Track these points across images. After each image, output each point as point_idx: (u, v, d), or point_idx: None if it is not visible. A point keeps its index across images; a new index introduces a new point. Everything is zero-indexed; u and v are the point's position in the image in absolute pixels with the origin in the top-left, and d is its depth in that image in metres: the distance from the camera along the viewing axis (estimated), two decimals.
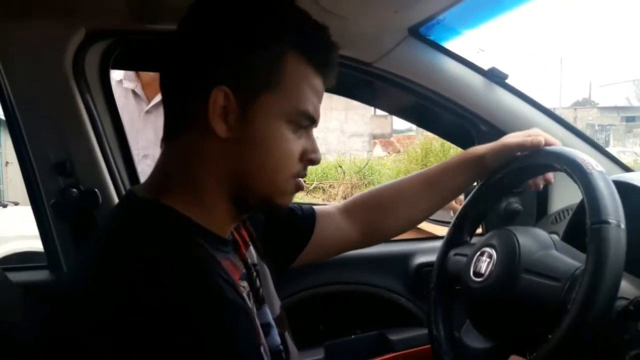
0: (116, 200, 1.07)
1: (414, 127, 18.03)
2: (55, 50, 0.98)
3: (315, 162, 0.74)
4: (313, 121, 0.72)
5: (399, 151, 15.20)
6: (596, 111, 22.59)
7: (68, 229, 1.05)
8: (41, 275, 1.13)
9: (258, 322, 0.72)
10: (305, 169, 0.74)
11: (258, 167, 0.69)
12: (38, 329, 0.74)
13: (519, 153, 0.93)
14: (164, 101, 0.72)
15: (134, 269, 0.59)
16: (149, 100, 1.80)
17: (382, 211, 1.01)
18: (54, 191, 1.03)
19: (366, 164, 11.63)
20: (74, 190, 1.02)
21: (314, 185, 10.92)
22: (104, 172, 1.05)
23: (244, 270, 0.77)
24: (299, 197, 10.36)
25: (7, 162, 9.36)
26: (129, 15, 1.00)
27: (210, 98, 0.65)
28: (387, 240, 1.08)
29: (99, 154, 1.04)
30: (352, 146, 15.60)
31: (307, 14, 0.70)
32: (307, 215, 0.98)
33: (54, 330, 0.64)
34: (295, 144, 0.71)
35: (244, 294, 0.71)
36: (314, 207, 1.00)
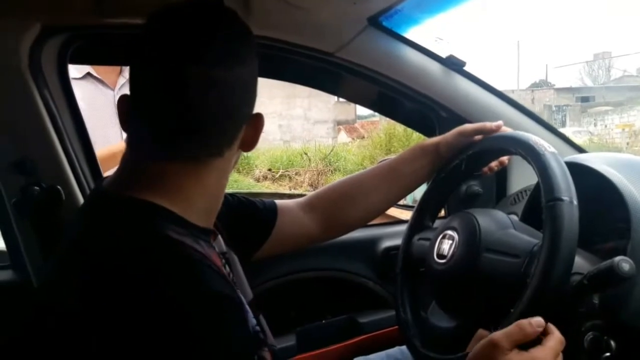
0: (79, 196, 1.05)
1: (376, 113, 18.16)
2: (9, 46, 0.95)
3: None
4: None
5: (363, 137, 15.25)
6: (553, 92, 23.21)
7: (31, 227, 1.03)
8: (5, 275, 1.11)
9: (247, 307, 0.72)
10: None
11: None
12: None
13: (477, 137, 0.96)
14: (146, 105, 0.68)
15: (120, 269, 0.58)
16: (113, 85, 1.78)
17: (341, 205, 1.03)
18: (14, 189, 1.00)
19: (331, 151, 11.62)
20: (36, 188, 1.00)
21: (280, 173, 10.87)
22: (66, 168, 1.03)
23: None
24: (266, 185, 10.32)
25: None
26: (85, 9, 0.97)
27: (258, 123, 0.72)
28: (348, 232, 1.10)
29: (60, 151, 1.02)
30: (316, 133, 15.58)
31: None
32: (269, 209, 1.00)
33: (33, 334, 0.62)
34: None
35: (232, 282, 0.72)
36: (276, 202, 1.02)
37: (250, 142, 0.73)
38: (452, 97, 1.24)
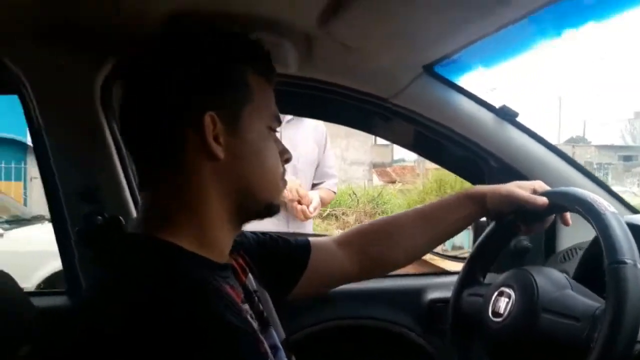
0: None
1: (407, 157, 18.15)
2: (84, 81, 1.00)
3: (289, 160, 0.82)
4: (280, 122, 0.80)
5: (394, 181, 15.21)
6: (594, 149, 22.73)
7: (90, 255, 1.06)
8: (59, 300, 1.14)
9: (266, 344, 0.73)
10: (285, 168, 0.81)
11: (259, 175, 0.75)
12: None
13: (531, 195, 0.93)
14: (135, 145, 0.75)
15: (136, 307, 0.60)
16: None
17: (378, 243, 1.01)
18: (78, 217, 1.04)
19: (379, 193, 11.63)
20: (99, 217, 1.03)
21: (327, 212, 10.89)
22: (128, 199, 1.07)
23: (244, 295, 0.78)
24: (315, 224, 10.37)
25: (31, 178, 9.69)
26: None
27: (204, 125, 0.69)
28: (385, 273, 1.09)
29: (123, 182, 1.06)
30: (352, 174, 15.59)
31: (248, 36, 0.79)
32: (302, 246, 0.98)
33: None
34: (275, 147, 0.78)
35: (248, 317, 0.72)
36: (310, 238, 1.01)
37: (209, 149, 0.69)
38: (504, 147, 1.23)
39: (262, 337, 0.71)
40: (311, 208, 2.05)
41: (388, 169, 17.79)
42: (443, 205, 1.02)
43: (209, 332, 0.58)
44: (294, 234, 1.68)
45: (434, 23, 0.92)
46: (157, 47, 0.75)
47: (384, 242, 1.01)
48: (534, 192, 0.94)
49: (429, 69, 1.15)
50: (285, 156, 0.80)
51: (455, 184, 10.35)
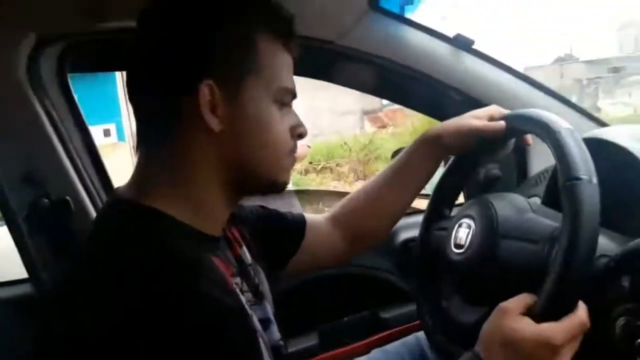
0: (90, 207, 1.05)
1: None
2: (6, 59, 0.95)
3: (303, 135, 0.76)
4: (294, 95, 0.74)
5: (386, 126, 15.17)
6: (583, 65, 22.53)
7: (44, 240, 1.03)
8: (24, 289, 1.12)
9: (255, 318, 0.72)
10: (296, 144, 0.76)
11: (258, 152, 0.70)
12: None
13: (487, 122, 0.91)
14: (135, 102, 0.70)
15: (117, 277, 0.58)
16: None
17: (363, 216, 1.01)
18: (25, 203, 1.01)
19: (370, 140, 11.62)
20: (45, 200, 1.00)
21: (321, 165, 10.92)
22: (74, 179, 1.03)
23: (237, 268, 0.76)
24: (309, 178, 10.45)
25: None
26: (80, 16, 0.97)
27: (199, 94, 0.64)
28: (376, 243, 1.07)
29: (66, 161, 1.02)
30: (344, 125, 15.54)
31: None
32: (298, 221, 0.99)
33: (44, 343, 0.63)
34: (284, 121, 0.72)
35: (237, 290, 0.71)
36: (305, 215, 1.01)
37: (204, 120, 0.65)
38: (463, 79, 1.19)
39: (250, 311, 0.70)
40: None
41: (380, 114, 17.72)
42: (407, 158, 1.00)
43: (194, 310, 0.56)
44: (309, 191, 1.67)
45: None
46: (157, 8, 0.68)
47: (367, 214, 1.01)
48: (491, 118, 0.91)
49: (375, 4, 1.10)
50: (298, 130, 0.75)
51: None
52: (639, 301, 0.70)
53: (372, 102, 17.61)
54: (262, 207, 0.98)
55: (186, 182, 0.68)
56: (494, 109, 0.92)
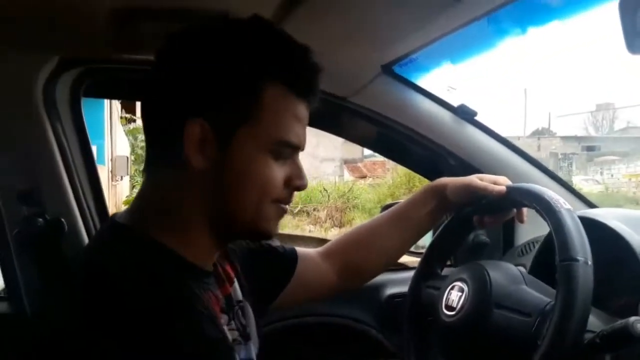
0: (83, 230, 1.05)
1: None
2: (26, 77, 0.97)
3: (301, 188, 0.74)
4: (296, 148, 0.72)
5: (365, 176, 15.33)
6: (559, 140, 23.33)
7: (31, 259, 1.02)
8: (1, 307, 1.09)
9: (238, 357, 0.73)
10: (290, 195, 0.73)
11: (239, 195, 0.69)
12: None
13: (490, 187, 0.93)
14: (146, 131, 0.72)
15: (111, 301, 0.59)
16: None
17: (357, 254, 1.02)
18: (18, 220, 1.00)
19: (350, 188, 11.69)
20: (40, 219, 0.99)
21: (298, 208, 10.87)
22: (71, 201, 1.03)
23: (226, 306, 0.77)
24: (285, 220, 10.39)
25: None
26: (102, 43, 0.99)
27: (184, 130, 0.65)
28: (366, 281, 1.08)
29: (66, 183, 1.02)
30: (324, 171, 15.62)
31: (286, 41, 0.70)
32: (289, 255, 0.98)
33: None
34: (278, 171, 0.70)
35: (224, 327, 0.71)
36: (297, 248, 1.01)
37: (187, 155, 0.66)
38: (462, 146, 1.24)
39: (235, 348, 0.71)
40: None
41: (359, 165, 17.90)
42: (410, 203, 1.02)
43: (184, 341, 0.58)
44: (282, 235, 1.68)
45: (392, 23, 0.92)
46: (175, 45, 0.70)
47: (363, 252, 1.02)
48: (495, 184, 0.94)
49: (388, 69, 1.15)
50: (294, 183, 0.72)
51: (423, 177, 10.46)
52: None
53: (353, 151, 17.85)
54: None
55: (178, 216, 0.69)
56: (500, 178, 0.96)
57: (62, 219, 1.01)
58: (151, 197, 0.71)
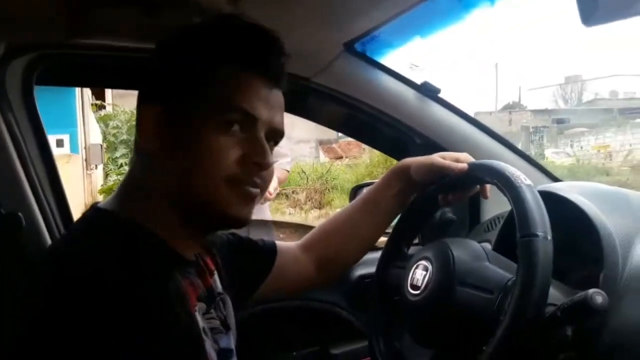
0: (42, 224, 1.02)
1: None
2: None
3: (262, 166, 0.71)
4: (253, 119, 0.70)
5: (340, 157, 15.37)
6: (529, 114, 23.67)
7: None
8: None
9: (209, 344, 0.73)
10: (250, 173, 0.71)
11: (192, 175, 0.69)
12: None
13: (452, 165, 0.94)
14: None
15: (89, 285, 0.60)
16: None
17: (335, 244, 1.04)
18: None
19: (328, 170, 11.71)
20: None
21: (277, 191, 10.82)
22: (28, 194, 1.00)
23: (206, 296, 0.77)
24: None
25: None
26: (52, 29, 0.95)
27: (142, 116, 0.69)
28: (345, 270, 1.10)
29: (22, 177, 0.99)
30: (299, 152, 15.59)
31: (237, 23, 0.73)
32: (269, 248, 1.00)
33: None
34: (229, 146, 0.69)
35: (197, 314, 0.72)
36: (276, 242, 1.02)
37: (141, 140, 0.72)
38: (427, 124, 1.24)
39: (205, 337, 0.72)
40: (271, 189, 2.03)
41: (334, 145, 17.91)
42: (377, 187, 1.03)
43: (158, 322, 0.60)
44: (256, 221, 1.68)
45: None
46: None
47: (339, 241, 1.04)
48: (457, 161, 0.95)
49: (350, 47, 1.13)
50: (253, 159, 0.70)
51: None
52: (581, 350, 0.75)
53: (327, 132, 17.83)
54: (233, 234, 0.98)
55: (145, 198, 0.71)
56: (462, 155, 0.96)
57: (20, 214, 0.98)
58: (128, 183, 0.74)
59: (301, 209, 10.55)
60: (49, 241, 1.02)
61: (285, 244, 1.04)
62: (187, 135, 0.68)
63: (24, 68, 1.02)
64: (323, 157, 16.56)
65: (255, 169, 0.71)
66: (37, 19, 0.90)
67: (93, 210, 0.73)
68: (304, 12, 0.95)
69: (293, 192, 11.02)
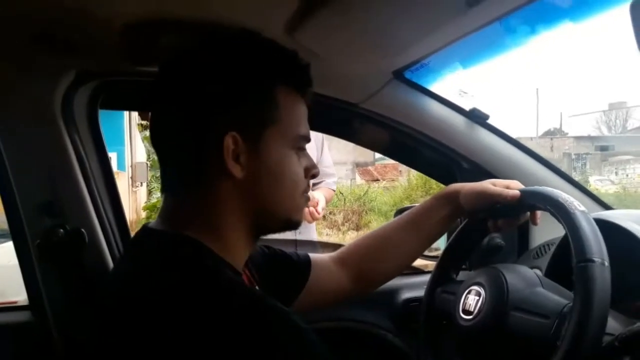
0: (102, 240, 1.06)
1: None
2: (44, 91, 0.98)
3: (316, 175, 0.81)
4: (308, 140, 0.79)
5: (377, 179, 15.33)
6: (572, 140, 23.12)
7: (53, 269, 1.03)
8: (23, 316, 1.10)
9: None
10: (309, 184, 0.82)
11: (277, 194, 0.75)
12: None
13: (503, 192, 0.94)
14: (161, 150, 0.76)
15: (166, 300, 0.62)
16: None
17: (371, 260, 1.04)
18: (39, 231, 1.01)
19: (365, 192, 11.68)
20: (61, 230, 1.01)
21: (324, 210, 10.83)
22: (91, 212, 1.04)
23: None
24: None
25: None
26: (119, 56, 1.01)
27: (223, 145, 0.69)
28: (379, 286, 1.09)
29: (86, 194, 1.03)
30: (337, 174, 15.63)
31: (281, 47, 0.76)
32: (303, 262, 1.01)
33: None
34: (299, 165, 0.77)
35: None
36: (310, 255, 1.03)
37: (227, 168, 0.70)
38: (475, 150, 1.24)
39: None
40: (319, 208, 2.06)
41: (370, 168, 17.89)
42: (423, 209, 1.03)
43: (263, 328, 0.62)
44: (300, 241, 1.70)
45: (402, 29, 0.92)
46: (184, 60, 0.75)
47: (376, 257, 1.04)
48: (508, 188, 0.94)
49: (399, 75, 1.15)
50: (311, 172, 0.80)
51: None
52: None
53: (364, 154, 17.83)
54: (268, 247, 1.00)
55: (216, 225, 0.72)
56: (513, 182, 0.96)
57: (83, 230, 1.03)
58: (187, 210, 0.73)
59: (339, 229, 10.54)
60: (108, 256, 1.06)
61: (320, 256, 1.04)
62: (268, 158, 0.73)
63: (90, 93, 1.08)
64: (359, 179, 16.54)
65: (312, 178, 0.82)
66: (104, 48, 0.96)
67: (145, 231, 0.76)
68: (356, 39, 0.97)
69: (330, 213, 11.03)
